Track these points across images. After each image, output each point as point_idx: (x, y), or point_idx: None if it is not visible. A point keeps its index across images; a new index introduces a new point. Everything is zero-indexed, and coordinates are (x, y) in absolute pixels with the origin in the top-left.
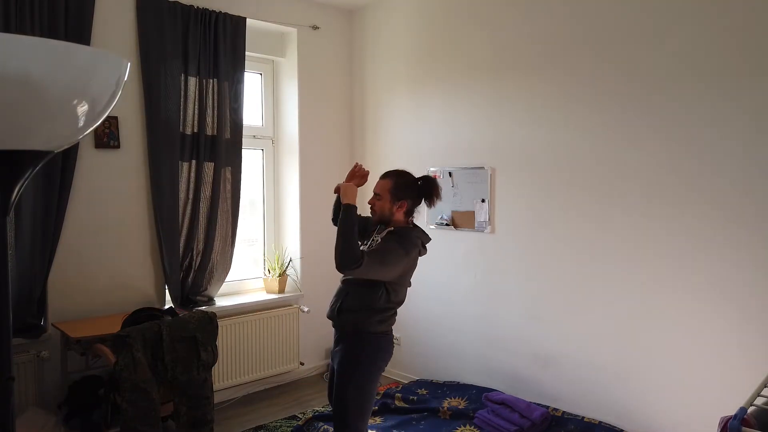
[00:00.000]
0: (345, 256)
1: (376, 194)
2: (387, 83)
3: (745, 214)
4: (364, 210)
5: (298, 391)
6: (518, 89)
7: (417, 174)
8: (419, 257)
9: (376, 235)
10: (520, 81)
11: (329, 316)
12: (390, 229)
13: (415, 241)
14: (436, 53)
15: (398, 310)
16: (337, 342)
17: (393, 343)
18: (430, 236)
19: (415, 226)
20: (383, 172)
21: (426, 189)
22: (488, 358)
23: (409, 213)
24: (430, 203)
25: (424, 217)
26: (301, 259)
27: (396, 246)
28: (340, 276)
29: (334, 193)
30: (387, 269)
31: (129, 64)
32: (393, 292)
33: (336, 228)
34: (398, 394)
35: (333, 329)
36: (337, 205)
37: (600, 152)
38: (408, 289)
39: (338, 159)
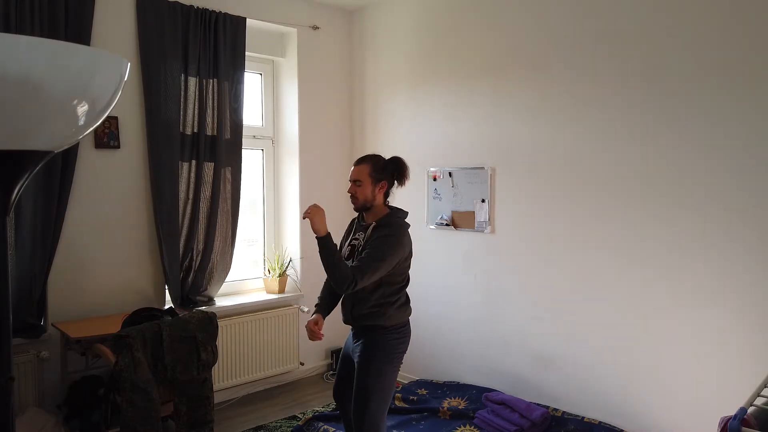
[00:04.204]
0: (339, 283)
1: (355, 181)
2: (387, 83)
3: (750, 214)
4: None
5: (298, 391)
6: (519, 89)
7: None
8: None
9: (359, 233)
10: (520, 80)
11: (345, 322)
12: (372, 224)
13: (403, 224)
14: (436, 53)
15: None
16: (356, 336)
17: (409, 332)
18: (406, 210)
19: (393, 207)
20: (356, 159)
21: (397, 167)
22: (488, 359)
23: (387, 194)
24: (402, 182)
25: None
26: (301, 259)
27: (386, 240)
28: None
29: (303, 219)
30: (386, 265)
31: (129, 64)
32: (395, 280)
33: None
34: (398, 394)
35: (338, 326)
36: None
37: (602, 151)
38: (408, 285)
39: (338, 159)
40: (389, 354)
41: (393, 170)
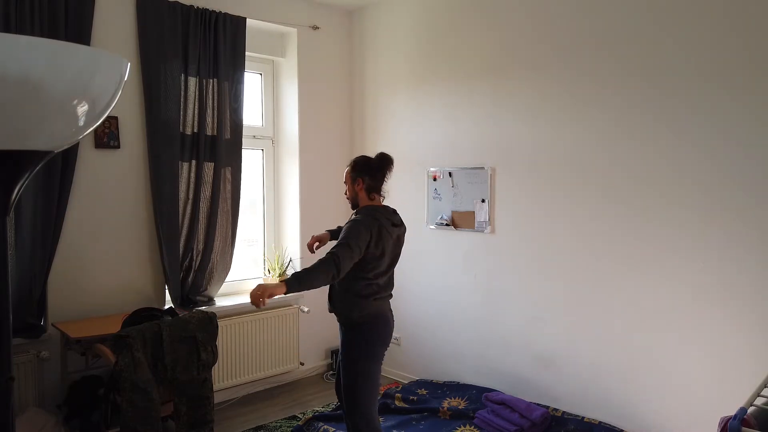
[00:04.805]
0: (330, 274)
1: (345, 183)
2: (387, 83)
3: (750, 214)
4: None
5: (298, 391)
6: (519, 89)
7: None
8: (398, 233)
9: None
10: (520, 80)
11: (330, 310)
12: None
13: (374, 215)
14: (436, 53)
15: (397, 308)
16: (340, 331)
17: (387, 325)
18: (398, 215)
19: (384, 206)
20: None
21: (378, 162)
22: (488, 359)
23: (370, 188)
24: (383, 175)
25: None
26: (301, 259)
27: (351, 226)
28: None
29: (260, 307)
30: (355, 246)
31: (129, 64)
32: (363, 269)
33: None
34: (398, 394)
35: (335, 324)
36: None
37: (602, 152)
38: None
39: (338, 159)
40: (369, 349)
41: (374, 165)
